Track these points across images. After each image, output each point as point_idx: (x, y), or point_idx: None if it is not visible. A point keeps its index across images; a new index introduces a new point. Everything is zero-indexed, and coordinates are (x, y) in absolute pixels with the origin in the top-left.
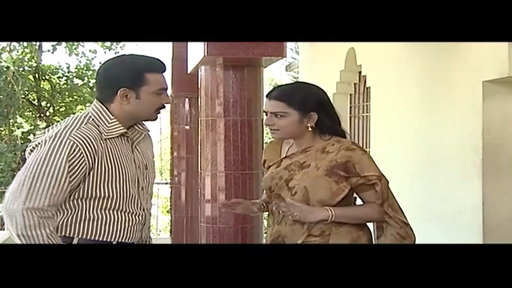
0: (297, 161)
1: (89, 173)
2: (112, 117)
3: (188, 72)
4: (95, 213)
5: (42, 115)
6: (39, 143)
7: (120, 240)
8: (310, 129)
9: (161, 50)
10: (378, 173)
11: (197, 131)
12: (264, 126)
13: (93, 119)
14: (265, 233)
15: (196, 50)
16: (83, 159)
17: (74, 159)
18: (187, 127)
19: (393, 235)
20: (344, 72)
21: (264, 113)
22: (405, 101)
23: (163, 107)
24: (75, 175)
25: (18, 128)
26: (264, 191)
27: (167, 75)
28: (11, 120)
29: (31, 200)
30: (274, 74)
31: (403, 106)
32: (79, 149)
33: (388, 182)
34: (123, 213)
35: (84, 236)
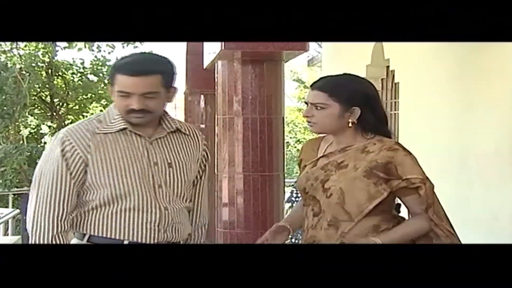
0: (334, 160)
1: (87, 167)
2: (117, 113)
3: (204, 67)
4: (102, 210)
5: (54, 113)
6: None
7: (130, 239)
8: (351, 125)
9: (176, 44)
10: (422, 176)
11: (213, 130)
12: (282, 124)
13: (100, 116)
14: (291, 239)
15: (212, 44)
16: (76, 152)
17: (67, 153)
18: (203, 125)
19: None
20: (371, 67)
21: (305, 104)
22: (437, 98)
23: (132, 112)
24: (75, 169)
25: (25, 127)
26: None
27: (181, 70)
28: (19, 119)
29: (47, 209)
30: (294, 67)
31: (435, 104)
32: (70, 142)
33: (433, 186)
34: (130, 211)
35: (94, 233)
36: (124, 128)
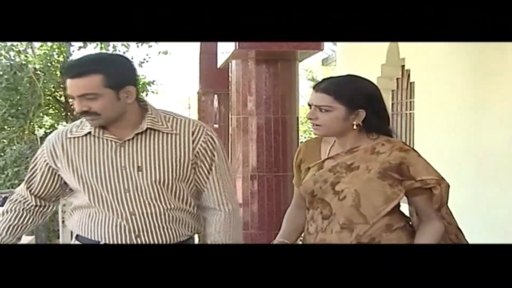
0: (343, 162)
1: (59, 171)
2: None
3: (218, 66)
4: (80, 211)
5: (69, 113)
6: None
7: (105, 241)
8: (355, 127)
9: (190, 44)
10: (437, 177)
11: (227, 130)
12: (296, 124)
13: (82, 119)
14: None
15: (226, 44)
16: (44, 158)
17: (38, 159)
18: (216, 125)
19: (446, 241)
20: (386, 66)
21: (308, 106)
22: (452, 97)
23: (80, 114)
24: (36, 172)
25: (40, 127)
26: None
27: (195, 69)
28: (34, 119)
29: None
30: (308, 66)
31: (451, 103)
32: (42, 149)
33: (449, 186)
34: (100, 214)
35: (79, 232)
36: (89, 132)
